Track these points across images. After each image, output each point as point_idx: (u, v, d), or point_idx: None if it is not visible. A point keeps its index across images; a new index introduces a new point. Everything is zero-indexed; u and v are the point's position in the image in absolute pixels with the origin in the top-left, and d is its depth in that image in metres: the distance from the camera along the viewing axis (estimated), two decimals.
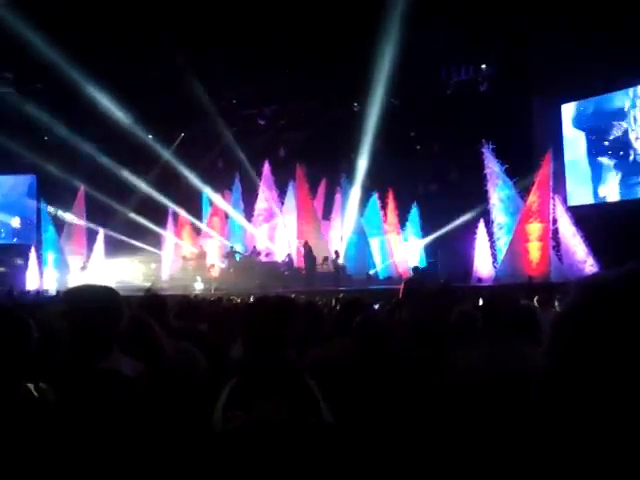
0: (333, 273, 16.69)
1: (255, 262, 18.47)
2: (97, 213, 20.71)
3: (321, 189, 20.60)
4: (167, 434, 1.65)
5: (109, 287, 2.23)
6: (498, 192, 15.82)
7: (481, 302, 6.02)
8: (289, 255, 18.54)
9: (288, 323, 1.74)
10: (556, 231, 15.00)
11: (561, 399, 0.74)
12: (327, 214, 20.34)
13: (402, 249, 18.86)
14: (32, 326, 2.83)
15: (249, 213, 20.83)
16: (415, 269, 13.02)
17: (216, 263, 19.59)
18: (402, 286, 9.16)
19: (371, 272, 17.60)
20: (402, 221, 19.31)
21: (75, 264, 20.48)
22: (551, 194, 14.86)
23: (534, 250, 14.67)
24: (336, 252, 17.44)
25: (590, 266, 14.42)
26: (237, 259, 19.24)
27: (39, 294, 17.72)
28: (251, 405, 1.56)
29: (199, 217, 21.72)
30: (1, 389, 1.60)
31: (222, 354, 3.35)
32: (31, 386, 1.62)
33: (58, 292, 17.51)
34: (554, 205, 15.01)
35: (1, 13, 13.61)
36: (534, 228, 14.75)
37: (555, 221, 15.01)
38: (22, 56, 14.73)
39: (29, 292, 18.48)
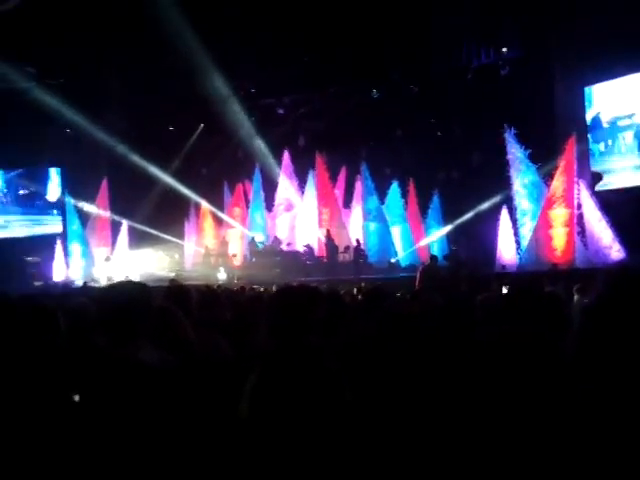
0: (353, 262, 16.69)
1: (276, 251, 18.55)
2: (120, 205, 20.96)
3: (341, 177, 20.54)
4: (193, 423, 1.68)
5: (139, 282, 2.27)
6: (521, 178, 15.60)
7: (504, 290, 5.97)
8: (310, 244, 18.58)
9: (312, 311, 1.76)
10: (581, 216, 14.76)
11: (591, 384, 0.73)
12: (348, 202, 20.30)
13: (423, 237, 18.77)
14: (60, 317, 2.90)
15: (270, 202, 20.89)
16: (432, 257, 12.96)
17: (238, 253, 19.73)
18: (418, 275, 9.18)
19: (393, 260, 17.55)
20: (423, 208, 19.19)
21: (100, 255, 20.82)
22: (575, 179, 14.61)
23: (558, 236, 14.46)
24: (357, 241, 17.44)
25: (616, 252, 14.16)
26: (258, 248, 19.35)
27: (66, 285, 18.08)
28: (276, 393, 1.58)
29: (220, 207, 21.85)
30: (32, 385, 1.65)
31: (246, 343, 3.39)
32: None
33: (85, 283, 17.85)
34: (579, 190, 14.75)
35: (23, 9, 13.77)
36: (558, 214, 14.53)
37: (580, 206, 14.76)
38: (44, 51, 14.90)
39: (57, 283, 18.86)
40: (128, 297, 1.99)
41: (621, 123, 15.97)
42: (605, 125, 16.30)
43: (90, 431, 1.55)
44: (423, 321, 3.07)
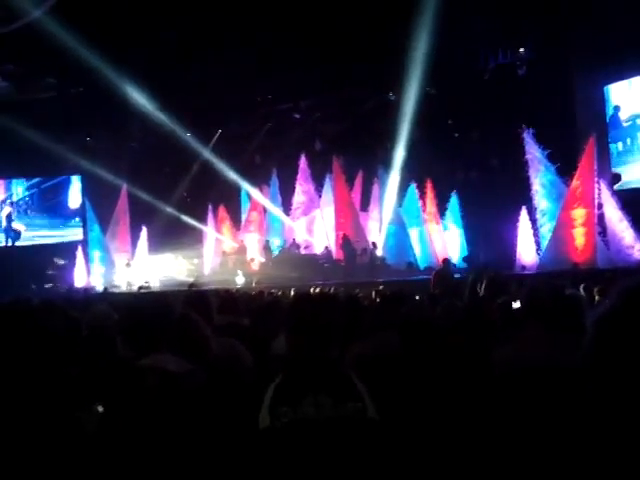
0: (369, 264, 16.67)
1: (294, 255, 18.58)
2: (140, 211, 21.18)
3: (358, 180, 20.52)
4: (213, 431, 1.69)
5: (162, 292, 2.31)
6: (540, 178, 15.46)
7: (517, 304, 5.90)
8: (327, 247, 18.59)
9: (331, 320, 1.76)
10: (602, 216, 14.56)
11: (604, 395, 0.73)
12: (365, 205, 20.27)
13: (442, 238, 18.65)
14: (82, 324, 2.94)
15: (287, 207, 20.94)
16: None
17: (256, 257, 19.81)
18: (432, 278, 9.13)
19: (411, 262, 17.47)
20: (441, 210, 19.08)
21: (120, 261, 21.06)
22: (596, 178, 14.42)
23: (579, 236, 14.28)
24: (373, 243, 17.37)
25: (638, 251, 13.96)
26: (273, 252, 19.42)
27: (87, 291, 18.31)
28: (297, 402, 1.58)
29: (238, 212, 21.97)
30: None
31: (265, 349, 3.40)
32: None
33: (105, 289, 18.06)
34: (599, 189, 14.56)
35: (43, 20, 14.01)
36: (578, 214, 14.35)
37: (600, 206, 14.57)
38: (64, 61, 15.12)
39: (78, 289, 19.10)
40: (152, 308, 2.01)
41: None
42: (624, 124, 16.07)
43: (114, 443, 1.57)
44: (444, 326, 3.06)
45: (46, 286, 19.30)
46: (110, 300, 7.80)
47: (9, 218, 23.08)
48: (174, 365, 1.91)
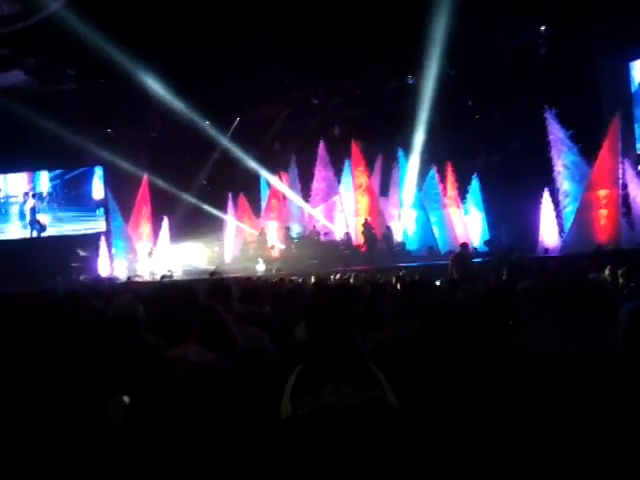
0: (387, 249, 16.65)
1: (314, 241, 18.61)
2: (161, 200, 21.37)
3: (378, 165, 20.40)
4: (237, 420, 1.72)
5: (187, 282, 2.34)
6: (563, 159, 15.19)
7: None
8: (347, 233, 18.57)
9: (352, 309, 1.77)
10: (626, 197, 14.29)
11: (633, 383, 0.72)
12: (384, 190, 20.17)
13: (463, 222, 18.50)
14: (108, 314, 2.99)
15: (306, 193, 20.92)
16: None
17: (276, 244, 19.88)
18: (450, 263, 9.08)
19: (432, 247, 17.37)
20: (462, 194, 18.89)
21: (142, 251, 21.32)
22: (620, 158, 14.14)
23: (603, 218, 14.06)
24: (387, 227, 17.30)
25: None
26: (293, 239, 19.47)
27: (111, 281, 18.59)
28: (318, 391, 1.60)
29: (258, 200, 22.04)
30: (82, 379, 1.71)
31: (287, 337, 3.43)
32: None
33: (128, 278, 18.31)
34: (623, 170, 14.28)
35: (62, 12, 14.12)
36: (602, 195, 14.11)
37: (625, 186, 14.30)
38: (83, 53, 15.23)
39: (102, 279, 19.40)
40: (176, 297, 2.04)
41: None
42: None
43: (141, 433, 1.60)
44: (465, 311, 3.05)
45: (76, 277, 19.59)
46: (134, 290, 7.91)
47: (33, 210, 23.45)
48: (199, 356, 1.93)
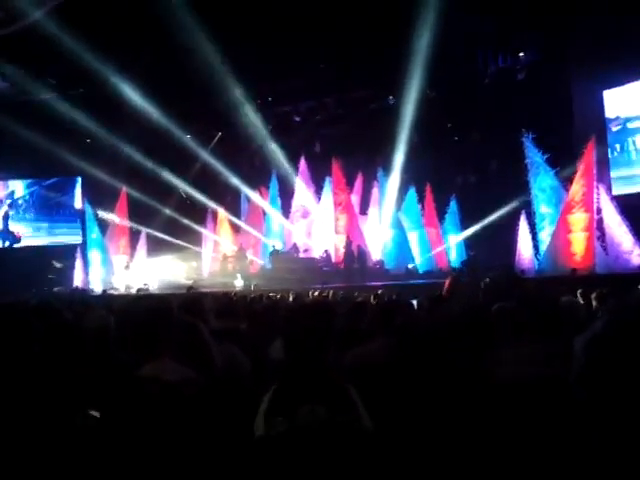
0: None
1: (293, 258, 18.58)
2: (139, 213, 21.17)
3: (358, 183, 20.54)
4: (210, 439, 1.69)
5: (161, 296, 2.30)
6: (539, 182, 15.47)
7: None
8: (327, 251, 18.59)
9: (329, 327, 1.76)
10: (600, 221, 14.56)
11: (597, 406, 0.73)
12: (364, 209, 20.28)
13: (441, 242, 18.67)
14: (78, 328, 2.93)
15: (286, 209, 20.94)
16: (455, 269, 12.93)
17: (255, 260, 19.80)
18: (448, 282, 9.06)
19: (410, 266, 17.48)
20: (441, 214, 19.09)
21: (119, 263, 21.04)
22: (595, 183, 14.44)
23: (578, 241, 14.29)
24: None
25: (637, 256, 13.96)
26: (272, 256, 19.43)
27: (84, 292, 18.28)
28: (293, 412, 1.58)
29: (238, 214, 21.97)
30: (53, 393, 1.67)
31: (263, 354, 3.40)
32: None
33: (104, 291, 18.04)
34: (598, 194, 14.57)
35: (43, 21, 14.03)
36: (578, 218, 14.36)
37: (599, 211, 14.58)
38: (64, 62, 15.14)
39: (77, 291, 19.05)
40: (152, 313, 2.01)
41: (630, 125, 15.86)
42: (613, 129, 16.20)
43: (109, 449, 1.56)
44: (440, 331, 3.06)
45: (49, 290, 19.21)
46: (108, 302, 7.78)
47: (6, 219, 22.95)
48: (174, 374, 1.90)
